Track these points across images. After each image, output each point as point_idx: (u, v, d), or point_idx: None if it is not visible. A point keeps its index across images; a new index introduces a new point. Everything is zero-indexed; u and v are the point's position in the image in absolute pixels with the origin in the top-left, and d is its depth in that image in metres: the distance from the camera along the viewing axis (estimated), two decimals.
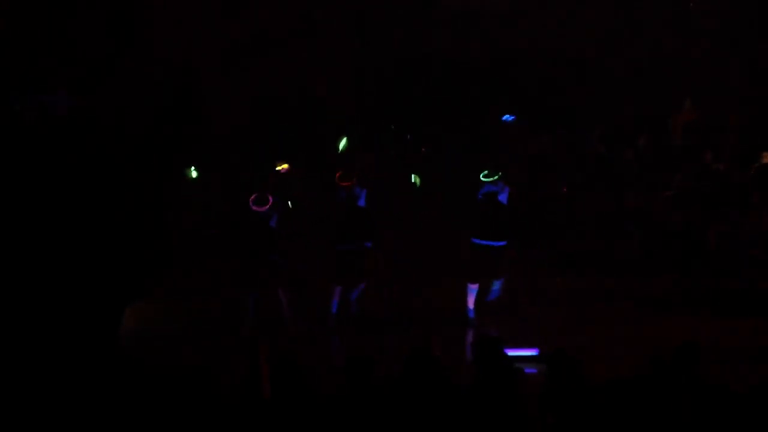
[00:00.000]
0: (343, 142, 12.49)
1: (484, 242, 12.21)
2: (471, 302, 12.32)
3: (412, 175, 13.12)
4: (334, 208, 12.38)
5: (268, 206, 12.02)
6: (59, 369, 10.01)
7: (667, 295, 13.32)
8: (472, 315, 12.32)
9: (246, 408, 7.60)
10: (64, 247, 11.88)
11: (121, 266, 12.04)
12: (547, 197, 15.85)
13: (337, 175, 12.34)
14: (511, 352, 8.33)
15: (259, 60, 18.38)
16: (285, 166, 12.46)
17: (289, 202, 12.84)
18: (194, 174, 12.86)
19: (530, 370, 8.45)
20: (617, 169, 15.68)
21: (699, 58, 18.02)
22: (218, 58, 18.26)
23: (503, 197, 12.19)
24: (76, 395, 8.77)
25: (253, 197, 12.11)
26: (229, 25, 18.35)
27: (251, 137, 17.79)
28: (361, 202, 12.33)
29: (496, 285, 12.45)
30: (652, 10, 18.29)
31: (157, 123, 17.49)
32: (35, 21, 17.53)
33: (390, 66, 18.89)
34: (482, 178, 12.14)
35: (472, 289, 12.31)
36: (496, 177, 12.11)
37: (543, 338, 11.02)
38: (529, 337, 11.10)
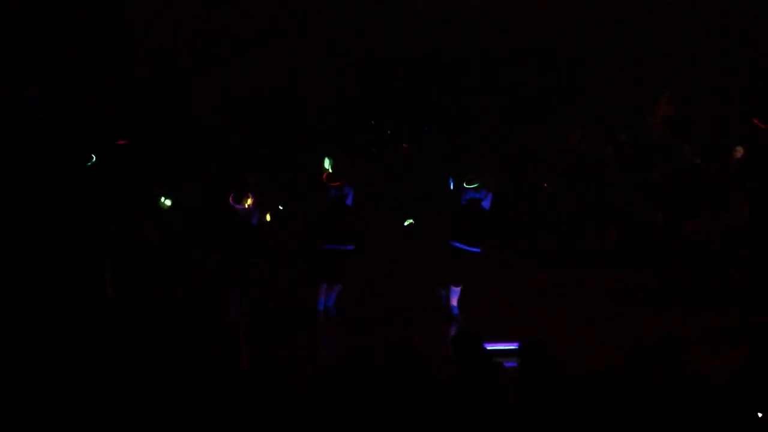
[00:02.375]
0: (327, 162, 12.54)
1: (462, 246, 12.27)
2: (455, 300, 12.40)
3: (406, 221, 13.17)
4: (322, 207, 12.37)
5: (248, 204, 12.01)
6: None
7: (645, 289, 13.41)
8: (456, 312, 12.39)
9: (229, 406, 7.63)
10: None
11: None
12: (528, 193, 15.93)
13: (325, 175, 12.35)
14: (491, 346, 8.39)
15: (238, 58, 18.38)
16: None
17: (280, 206, 12.83)
18: (168, 203, 12.87)
19: (510, 363, 8.50)
20: (597, 166, 15.78)
21: (675, 53, 18.16)
22: (198, 55, 18.26)
23: (486, 203, 12.28)
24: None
25: (232, 195, 12.10)
26: (209, 22, 18.34)
27: (230, 135, 17.79)
28: (349, 201, 12.36)
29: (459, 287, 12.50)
30: (631, 5, 18.40)
31: (137, 121, 17.54)
32: (11, 19, 17.49)
33: (372, 62, 18.92)
34: (465, 185, 12.23)
35: (455, 291, 12.40)
36: (478, 184, 12.20)
37: (523, 333, 11.07)
38: (509, 332, 11.15)
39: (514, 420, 7.30)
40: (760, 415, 7.30)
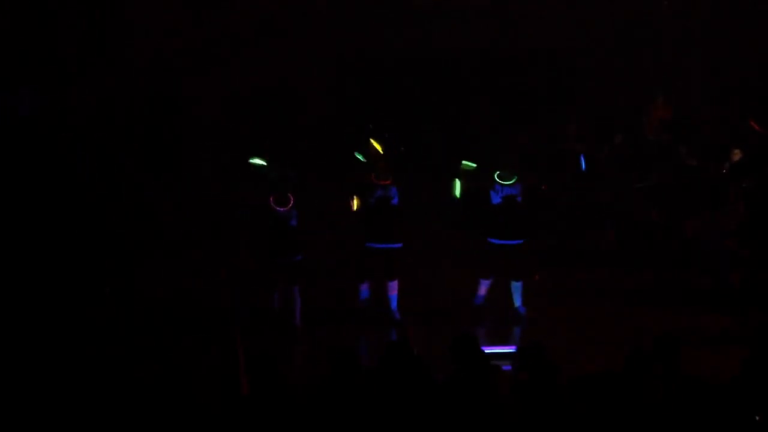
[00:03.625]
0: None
1: (502, 242, 12.32)
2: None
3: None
4: (368, 206, 12.35)
5: (290, 206, 12.07)
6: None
7: (643, 289, 13.43)
8: (479, 302, 12.47)
9: (224, 404, 7.65)
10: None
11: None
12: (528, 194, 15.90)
13: (372, 175, 12.36)
14: (489, 350, 8.42)
15: (236, 58, 18.38)
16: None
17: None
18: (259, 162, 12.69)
19: (508, 367, 8.52)
20: (594, 166, 15.78)
21: (671, 53, 18.19)
22: (198, 55, 18.26)
23: (519, 197, 12.37)
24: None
25: (273, 197, 12.13)
26: (209, 22, 18.35)
27: (230, 134, 17.80)
28: (395, 201, 12.38)
29: (519, 283, 12.55)
30: (630, 5, 18.41)
31: (134, 120, 17.55)
32: (11, 20, 17.49)
33: (372, 62, 18.92)
34: (498, 180, 12.30)
35: (485, 283, 12.48)
36: (514, 179, 12.31)
37: (521, 333, 11.11)
38: (507, 334, 11.19)
39: (510, 423, 7.32)
40: (757, 418, 7.33)
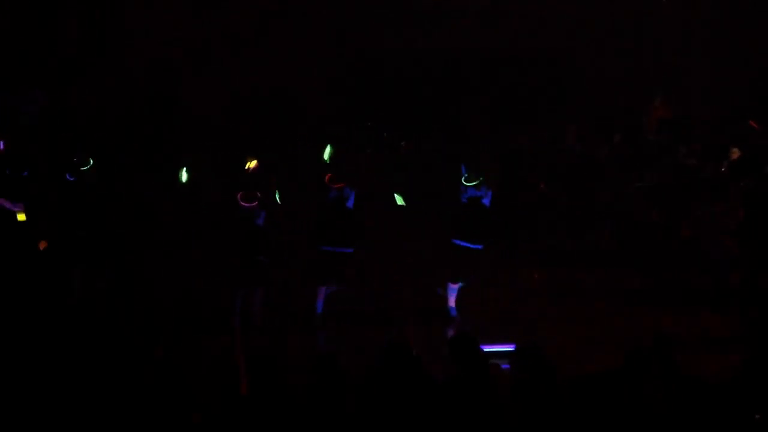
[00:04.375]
0: (327, 151, 12.42)
1: (465, 244, 12.30)
2: (452, 301, 12.43)
3: (396, 196, 13.02)
4: (322, 208, 12.30)
5: (256, 203, 11.82)
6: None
7: (642, 289, 13.44)
8: (454, 313, 12.41)
9: (224, 404, 7.65)
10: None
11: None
12: (524, 194, 15.93)
13: (328, 176, 12.27)
14: (488, 348, 8.41)
15: (236, 58, 18.39)
16: (254, 163, 12.28)
17: (277, 197, 12.68)
18: (185, 176, 12.59)
19: (507, 365, 8.52)
20: (592, 166, 15.79)
21: (670, 54, 18.20)
22: (198, 55, 18.28)
23: (486, 201, 12.30)
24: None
25: (240, 193, 11.89)
26: (209, 22, 18.37)
27: (227, 134, 17.80)
28: (350, 204, 12.30)
29: (458, 285, 12.50)
30: (629, 5, 18.43)
31: (135, 119, 17.57)
32: (10, 20, 17.51)
33: (367, 63, 18.93)
34: (465, 183, 12.24)
35: (453, 289, 12.41)
36: (478, 182, 12.22)
37: (520, 333, 11.09)
38: (506, 333, 11.16)
39: (509, 422, 7.32)
40: (756, 417, 7.33)
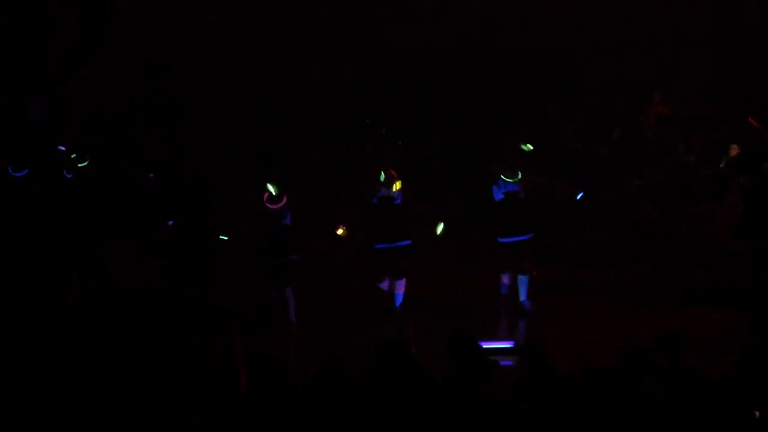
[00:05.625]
0: (440, 227, 12.53)
1: (515, 239, 12.36)
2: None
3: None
4: (372, 208, 12.29)
5: (282, 203, 11.92)
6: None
7: (640, 286, 13.45)
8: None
9: (224, 404, 7.66)
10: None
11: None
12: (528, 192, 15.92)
13: (390, 172, 12.28)
14: (487, 345, 8.42)
15: (236, 58, 18.41)
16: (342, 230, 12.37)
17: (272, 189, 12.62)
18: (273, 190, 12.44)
19: (506, 362, 8.53)
20: (592, 164, 15.81)
21: (669, 50, 18.22)
22: (198, 55, 18.31)
23: (522, 194, 12.44)
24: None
25: (266, 195, 11.97)
26: (209, 22, 18.39)
27: (230, 134, 17.83)
28: (399, 201, 12.28)
29: (526, 277, 12.58)
30: (629, 4, 18.44)
31: (134, 118, 17.61)
32: (10, 21, 17.54)
33: (371, 62, 18.95)
34: (504, 179, 12.34)
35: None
36: (518, 177, 12.35)
37: (519, 330, 11.11)
38: (505, 329, 11.18)
39: (509, 419, 7.32)
40: (757, 414, 7.33)
